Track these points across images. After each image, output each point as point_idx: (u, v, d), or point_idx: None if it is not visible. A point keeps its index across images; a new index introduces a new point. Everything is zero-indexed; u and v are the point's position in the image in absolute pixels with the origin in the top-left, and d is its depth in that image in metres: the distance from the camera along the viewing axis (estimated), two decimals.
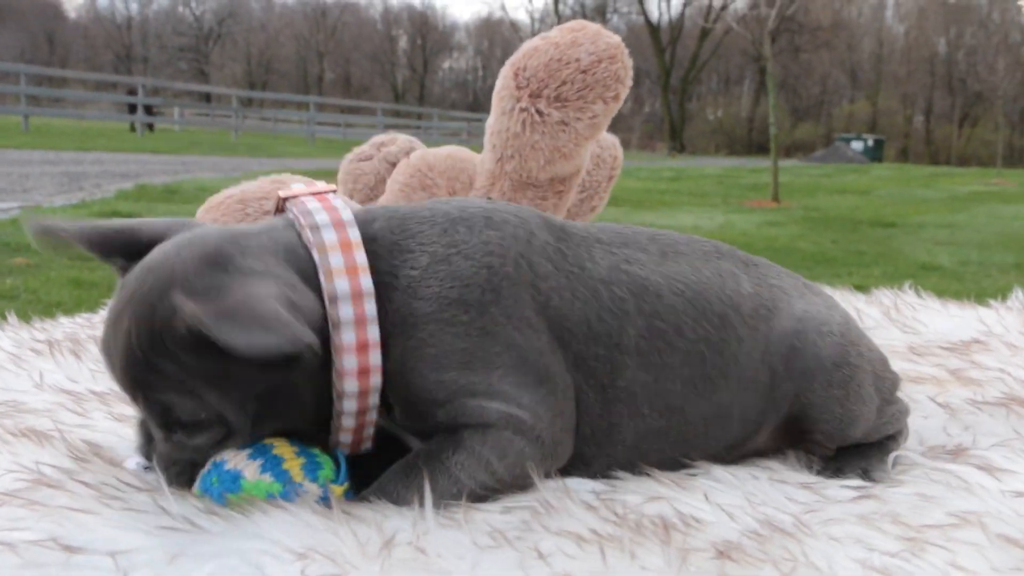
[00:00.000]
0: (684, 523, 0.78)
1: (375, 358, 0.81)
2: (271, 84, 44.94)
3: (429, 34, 48.34)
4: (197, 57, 47.64)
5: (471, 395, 0.82)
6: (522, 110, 1.45)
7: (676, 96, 42.01)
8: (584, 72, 1.43)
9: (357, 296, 0.80)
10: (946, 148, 43.67)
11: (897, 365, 1.31)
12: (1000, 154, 20.98)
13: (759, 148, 42.22)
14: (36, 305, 3.50)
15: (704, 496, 0.83)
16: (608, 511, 0.80)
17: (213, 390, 0.79)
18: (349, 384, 0.81)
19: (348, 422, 0.84)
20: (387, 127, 25.98)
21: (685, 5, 42.61)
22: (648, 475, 0.89)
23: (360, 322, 0.80)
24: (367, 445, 0.87)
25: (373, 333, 0.81)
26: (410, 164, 1.64)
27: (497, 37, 47.94)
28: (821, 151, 37.40)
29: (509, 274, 0.85)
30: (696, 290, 0.91)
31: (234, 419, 0.80)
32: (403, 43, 49.28)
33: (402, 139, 1.88)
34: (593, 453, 0.89)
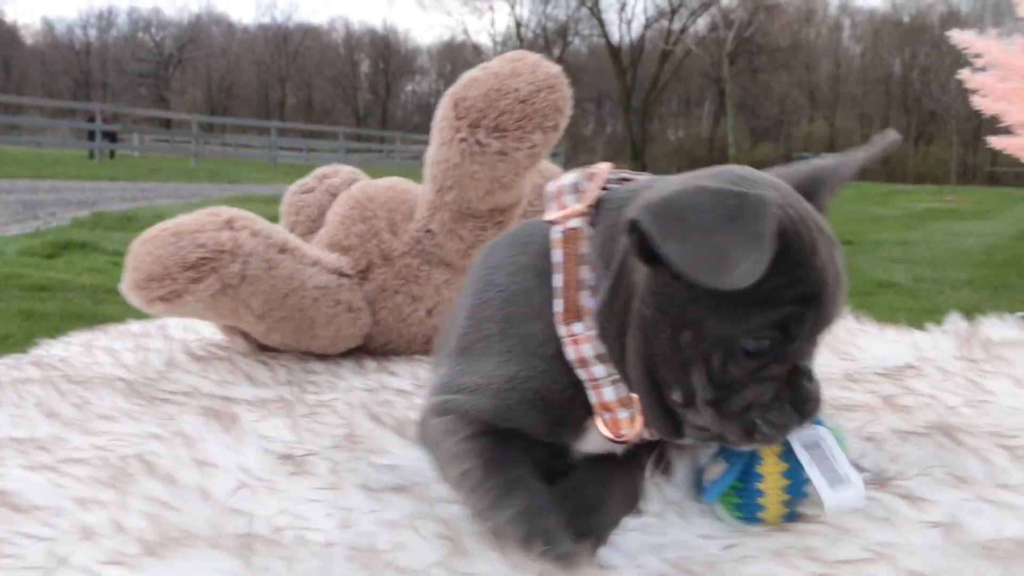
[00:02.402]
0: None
1: None
2: (232, 109, 44.64)
3: (391, 58, 48.35)
4: (157, 83, 47.30)
5: None
6: (461, 140, 1.44)
7: (637, 117, 42.30)
8: (523, 102, 1.42)
9: None
10: (902, 166, 44.31)
11: (833, 393, 1.31)
12: (954, 172, 21.38)
13: None
14: None
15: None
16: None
17: None
18: None
19: None
20: (349, 151, 25.94)
21: (646, 27, 43.03)
22: None
23: None
24: None
25: None
26: (350, 196, 1.62)
27: (460, 60, 47.92)
28: None
29: None
30: None
31: None
32: (365, 67, 49.23)
33: (345, 170, 1.87)
34: None
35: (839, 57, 49.53)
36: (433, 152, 1.49)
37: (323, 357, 1.57)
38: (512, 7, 45.47)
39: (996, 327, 1.77)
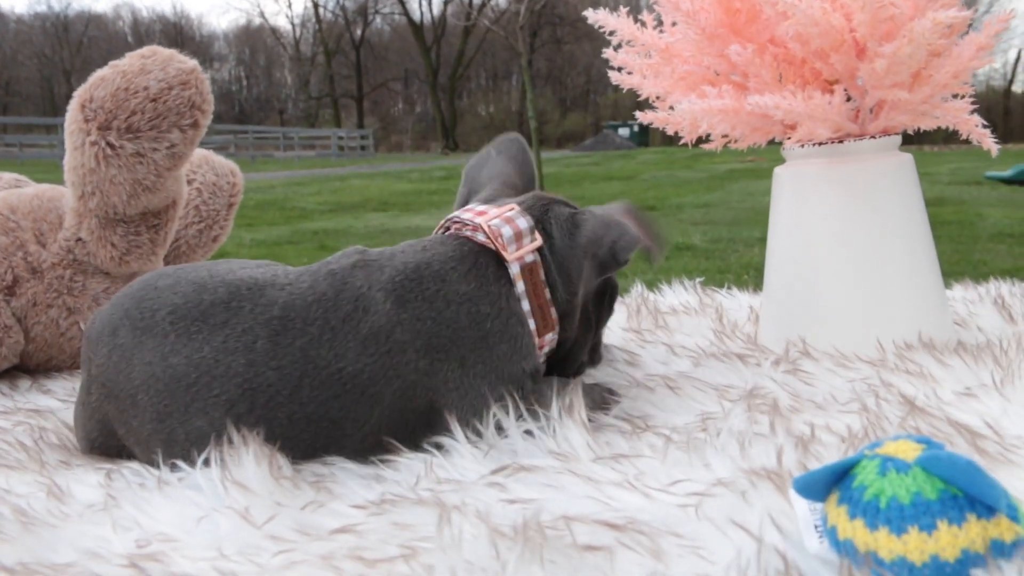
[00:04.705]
0: None
1: None
2: (13, 107, 41.66)
3: (186, 45, 46.10)
4: None
5: None
6: (92, 144, 1.37)
7: (446, 94, 42.31)
8: (154, 100, 1.37)
9: None
10: None
11: None
12: None
13: (531, 140, 43.34)
14: None
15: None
16: None
17: None
18: None
19: None
20: None
21: (446, 3, 42.96)
22: None
23: None
24: None
25: None
26: None
27: (259, 44, 46.52)
28: (591, 139, 38.73)
29: None
30: None
31: None
32: None
33: (7, 177, 1.76)
34: None
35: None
36: (68, 158, 1.42)
37: None
38: None
39: (677, 295, 1.85)
